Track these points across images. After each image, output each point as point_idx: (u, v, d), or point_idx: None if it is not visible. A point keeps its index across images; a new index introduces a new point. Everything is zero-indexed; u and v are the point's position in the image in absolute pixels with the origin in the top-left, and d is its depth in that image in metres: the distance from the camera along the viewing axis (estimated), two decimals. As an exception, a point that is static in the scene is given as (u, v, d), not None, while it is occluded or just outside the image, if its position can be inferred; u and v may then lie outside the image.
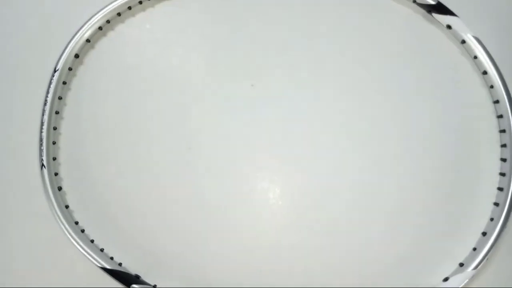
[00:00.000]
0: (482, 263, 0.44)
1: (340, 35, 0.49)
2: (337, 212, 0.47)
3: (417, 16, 0.49)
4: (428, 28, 0.48)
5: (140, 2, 0.49)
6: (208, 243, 0.47)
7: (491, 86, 0.46)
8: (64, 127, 0.49)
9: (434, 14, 0.47)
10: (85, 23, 0.49)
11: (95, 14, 0.49)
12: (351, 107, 0.48)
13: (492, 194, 0.46)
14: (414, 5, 0.47)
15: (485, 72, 0.46)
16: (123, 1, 0.49)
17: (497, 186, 0.46)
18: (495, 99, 0.46)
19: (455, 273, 0.44)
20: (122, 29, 0.51)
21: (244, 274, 0.46)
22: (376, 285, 0.45)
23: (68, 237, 0.45)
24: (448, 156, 0.47)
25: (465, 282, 0.44)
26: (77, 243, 0.45)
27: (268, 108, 0.48)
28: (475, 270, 0.44)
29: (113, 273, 0.44)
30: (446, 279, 0.44)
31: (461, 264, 0.44)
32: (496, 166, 0.47)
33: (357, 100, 0.48)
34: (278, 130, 0.48)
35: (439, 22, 0.47)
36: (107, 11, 0.48)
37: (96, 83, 0.50)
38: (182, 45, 0.50)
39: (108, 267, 0.44)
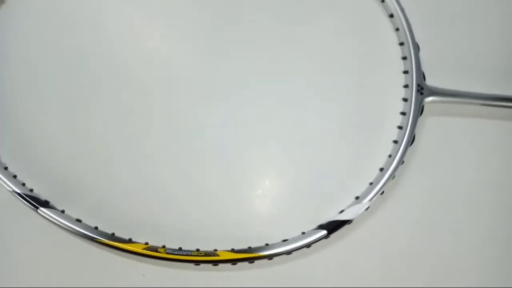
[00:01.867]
0: (376, 195, 0.46)
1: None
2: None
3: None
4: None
5: None
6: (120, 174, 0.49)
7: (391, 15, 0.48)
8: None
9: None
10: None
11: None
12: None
13: (393, 134, 0.48)
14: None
15: (391, 15, 0.49)
16: None
17: (397, 125, 0.49)
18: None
19: (351, 205, 0.47)
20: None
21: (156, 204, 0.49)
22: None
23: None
24: (354, 98, 0.50)
25: (359, 213, 0.46)
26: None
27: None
28: (369, 202, 0.46)
29: (22, 197, 0.46)
30: (341, 211, 0.47)
31: (357, 197, 0.47)
32: (399, 106, 0.49)
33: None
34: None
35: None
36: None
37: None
38: None
39: (18, 191, 0.46)
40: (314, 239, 0.45)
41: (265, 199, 0.49)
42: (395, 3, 0.48)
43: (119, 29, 0.50)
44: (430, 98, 0.47)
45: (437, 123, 0.51)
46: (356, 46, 0.50)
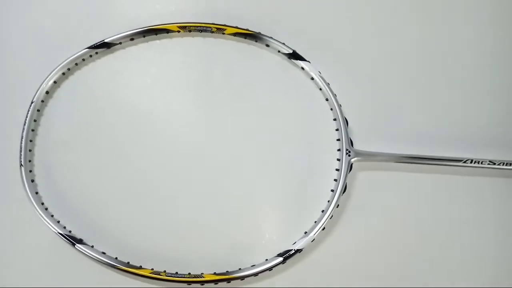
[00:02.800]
0: (319, 230, 0.63)
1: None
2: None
3: (283, 61, 0.69)
4: (290, 67, 0.69)
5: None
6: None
7: (326, 99, 0.67)
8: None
9: (293, 60, 0.68)
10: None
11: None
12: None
13: (331, 185, 0.65)
14: (280, 53, 0.68)
15: (327, 99, 0.67)
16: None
17: (334, 178, 0.65)
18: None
19: (301, 238, 0.63)
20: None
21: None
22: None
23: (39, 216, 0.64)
24: (305, 158, 0.68)
25: (307, 244, 0.62)
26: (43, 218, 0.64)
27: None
28: (314, 235, 0.63)
29: (64, 236, 0.63)
30: (294, 243, 0.63)
31: (305, 232, 0.64)
32: (335, 164, 0.66)
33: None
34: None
35: (296, 65, 0.68)
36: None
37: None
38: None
39: (61, 232, 0.63)
40: (274, 264, 0.62)
41: (238, 236, 0.66)
42: (328, 91, 0.66)
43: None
44: (355, 159, 0.64)
45: (366, 176, 0.68)
46: (304, 121, 0.68)
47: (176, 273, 0.62)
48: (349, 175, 0.64)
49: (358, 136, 0.68)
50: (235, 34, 0.68)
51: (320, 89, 0.67)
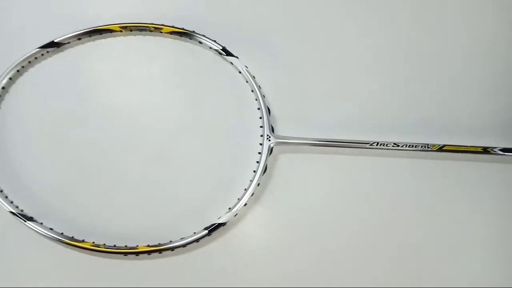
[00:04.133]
0: (241, 206, 0.70)
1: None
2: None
3: (216, 57, 0.77)
4: (222, 62, 0.76)
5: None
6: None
7: (252, 91, 0.74)
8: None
9: (223, 56, 0.75)
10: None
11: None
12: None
13: (254, 166, 0.72)
14: (212, 50, 0.75)
15: (252, 90, 0.75)
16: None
17: (256, 160, 0.73)
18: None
19: (225, 213, 0.71)
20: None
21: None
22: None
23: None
24: (234, 142, 0.75)
25: (231, 218, 0.70)
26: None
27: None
28: (237, 211, 0.70)
29: (15, 214, 0.71)
30: (219, 217, 0.71)
31: (229, 208, 0.71)
32: (258, 148, 0.73)
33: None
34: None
35: (226, 60, 0.76)
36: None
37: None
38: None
39: (13, 211, 0.71)
40: (201, 236, 0.70)
41: (171, 213, 0.74)
42: (253, 83, 0.74)
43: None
44: (274, 143, 0.72)
45: (287, 158, 0.76)
46: (233, 110, 0.76)
47: (114, 245, 0.70)
48: (270, 157, 0.72)
49: (282, 123, 0.76)
50: (171, 33, 0.76)
51: (247, 81, 0.75)
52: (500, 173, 0.77)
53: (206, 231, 0.70)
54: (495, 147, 0.73)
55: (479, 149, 0.72)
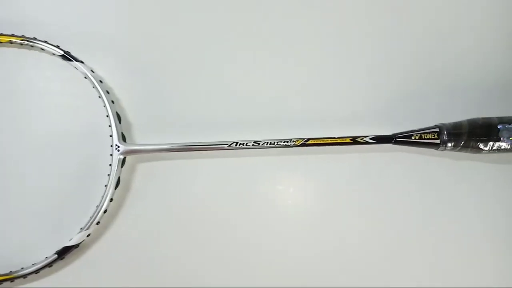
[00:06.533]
0: (93, 226, 0.65)
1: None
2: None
3: (63, 62, 0.69)
4: (69, 68, 0.69)
5: None
6: None
7: (99, 97, 0.68)
8: None
9: (67, 61, 0.69)
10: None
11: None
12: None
13: (106, 180, 0.66)
14: (55, 56, 0.68)
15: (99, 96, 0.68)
16: None
17: (108, 173, 0.67)
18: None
19: (77, 234, 0.65)
20: None
21: None
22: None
23: None
24: (88, 153, 0.70)
25: (83, 239, 0.65)
26: None
27: None
28: (89, 231, 0.65)
29: None
30: (70, 239, 0.66)
31: (81, 228, 0.66)
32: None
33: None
34: None
35: (72, 65, 0.69)
36: None
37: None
38: None
39: None
40: (52, 260, 0.65)
41: (21, 238, 0.69)
42: (100, 88, 0.67)
43: None
44: (124, 153, 0.66)
45: (146, 167, 0.70)
46: (81, 119, 0.70)
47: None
48: (125, 168, 0.67)
49: (140, 130, 0.70)
50: (11, 42, 0.70)
51: (93, 87, 0.68)
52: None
53: (56, 255, 0.65)
54: (365, 136, 0.66)
55: (348, 140, 0.65)
